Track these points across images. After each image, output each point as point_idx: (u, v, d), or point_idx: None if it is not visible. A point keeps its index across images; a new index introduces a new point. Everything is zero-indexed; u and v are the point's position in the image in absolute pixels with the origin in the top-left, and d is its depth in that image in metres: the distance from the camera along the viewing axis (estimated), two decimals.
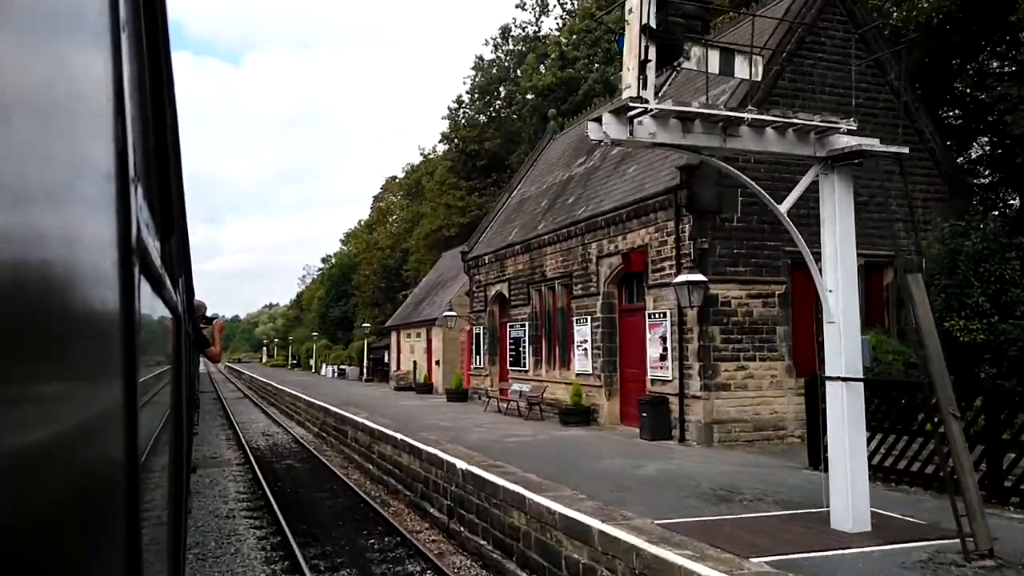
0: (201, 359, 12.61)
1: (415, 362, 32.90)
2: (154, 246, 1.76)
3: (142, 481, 1.27)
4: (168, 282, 2.42)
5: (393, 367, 37.77)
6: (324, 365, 56.97)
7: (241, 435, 24.93)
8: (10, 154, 0.48)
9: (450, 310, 25.95)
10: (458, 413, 20.16)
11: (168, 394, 2.76)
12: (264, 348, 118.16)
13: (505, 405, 20.51)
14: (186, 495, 5.11)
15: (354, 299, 70.06)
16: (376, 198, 73.68)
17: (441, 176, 44.10)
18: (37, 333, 0.54)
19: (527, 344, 20.66)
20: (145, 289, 1.42)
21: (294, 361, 78.83)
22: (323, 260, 79.96)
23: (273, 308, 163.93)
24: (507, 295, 22.12)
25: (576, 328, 17.81)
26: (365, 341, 43.42)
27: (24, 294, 0.50)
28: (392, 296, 59.20)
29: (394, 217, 62.96)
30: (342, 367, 49.94)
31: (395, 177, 71.99)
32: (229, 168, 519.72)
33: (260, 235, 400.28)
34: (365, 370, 42.83)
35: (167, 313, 2.47)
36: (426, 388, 29.94)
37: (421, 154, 58.88)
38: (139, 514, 1.15)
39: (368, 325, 43.25)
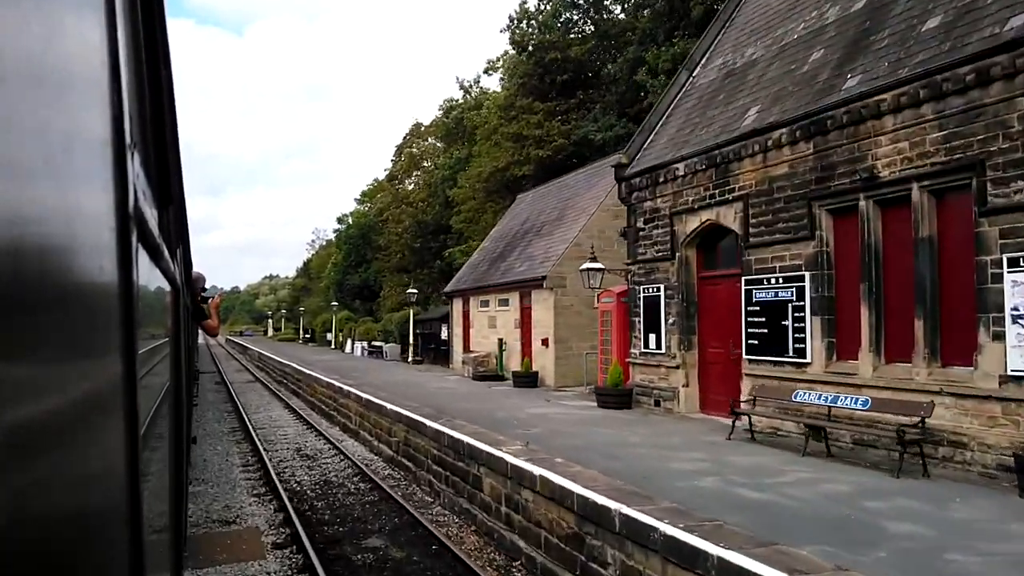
0: (200, 333, 11.39)
1: (501, 340, 23.37)
2: (152, 215, 1.76)
3: (142, 452, 1.24)
4: (166, 252, 2.45)
5: (458, 347, 28.19)
6: (350, 341, 47.46)
7: (265, 456, 15.50)
8: (2, 121, 0.46)
9: (592, 260, 16.29)
10: (696, 446, 10.56)
11: (167, 364, 2.83)
12: (269, 320, 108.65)
13: (762, 427, 11.00)
14: (187, 466, 5.63)
15: (377, 263, 60.44)
16: (400, 147, 63.64)
17: (506, 99, 34.12)
18: (33, 302, 0.52)
19: (806, 314, 11.07)
20: (143, 258, 1.43)
21: (307, 335, 69.25)
22: (339, 220, 70.14)
23: (274, 279, 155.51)
24: (738, 227, 12.49)
25: (1009, 278, 8.22)
26: (410, 312, 33.88)
27: (18, 263, 0.48)
28: (427, 258, 49.58)
29: (428, 164, 52.94)
30: (376, 344, 40.41)
31: (420, 124, 62.00)
32: (231, 140, 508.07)
33: (261, 209, 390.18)
34: (412, 349, 33.34)
35: (165, 283, 2.50)
36: (529, 379, 20.41)
37: (461, 87, 48.75)
38: (139, 484, 1.12)
39: (415, 291, 33.68)
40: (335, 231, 71.18)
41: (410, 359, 33.03)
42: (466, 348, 27.16)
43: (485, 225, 34.40)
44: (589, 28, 34.11)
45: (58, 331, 0.61)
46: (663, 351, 14.49)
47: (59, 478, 0.60)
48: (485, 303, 25.67)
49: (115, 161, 0.96)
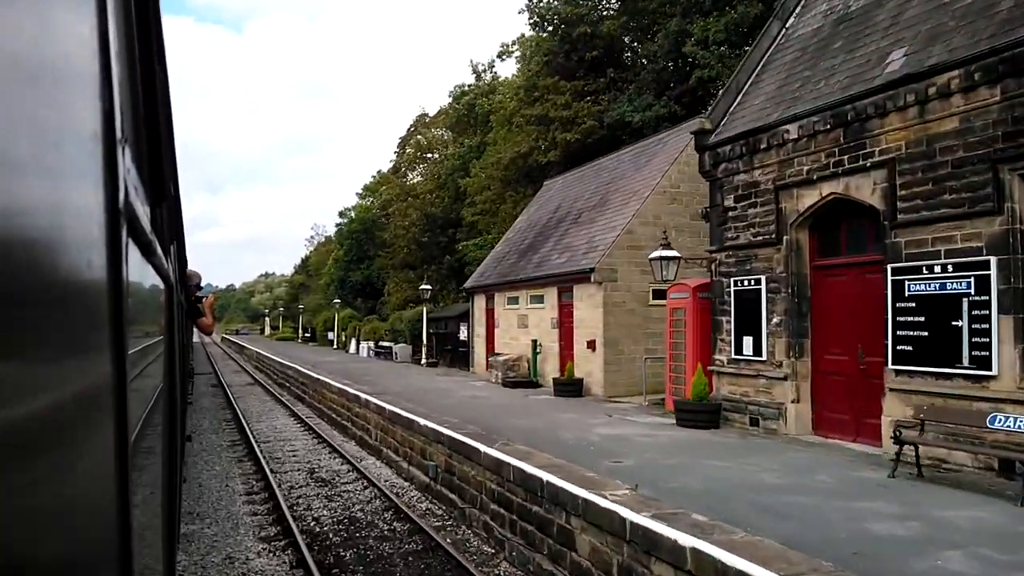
0: (195, 331, 10.52)
1: (535, 342, 20.70)
2: (144, 211, 1.72)
3: (134, 454, 1.22)
4: (159, 249, 2.38)
5: (480, 348, 25.52)
6: (354, 341, 44.75)
7: (272, 481, 12.89)
8: None
9: (665, 246, 13.62)
10: (863, 489, 7.85)
11: (161, 363, 2.72)
12: (266, 319, 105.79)
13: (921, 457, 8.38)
14: (180, 466, 5.40)
15: (380, 260, 57.73)
16: (403, 139, 60.92)
17: (527, 79, 31.41)
18: (17, 300, 0.51)
19: (991, 312, 8.37)
20: (134, 255, 1.39)
21: (306, 334, 66.40)
22: (340, 214, 67.29)
23: (270, 277, 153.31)
24: (878, 201, 9.85)
25: None
26: (424, 310, 31.19)
27: (4, 259, 0.48)
28: (436, 254, 46.91)
29: (435, 155, 50.19)
30: (383, 344, 37.70)
31: (426, 114, 59.31)
32: (230, 138, 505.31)
33: (259, 206, 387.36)
34: (426, 350, 30.62)
35: (158, 280, 2.43)
36: (572, 388, 17.75)
37: (474, 71, 46.06)
38: (129, 488, 1.09)
39: (428, 287, 30.98)
40: (336, 225, 68.38)
41: (424, 361, 30.36)
42: (490, 350, 24.50)
43: (505, 216, 31.77)
44: (615, 3, 31.45)
45: (44, 329, 0.59)
46: (763, 358, 11.85)
47: (43, 482, 0.57)
48: (514, 300, 23.02)
49: (105, 156, 0.94)
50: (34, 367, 0.56)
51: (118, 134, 1.03)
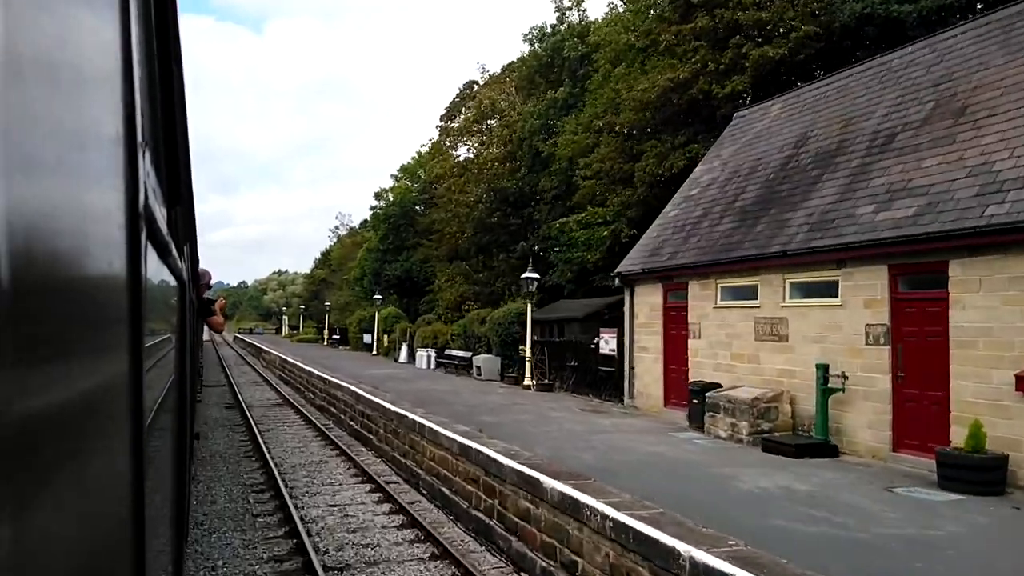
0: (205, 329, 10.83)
1: (823, 369, 11.31)
2: (161, 213, 1.73)
3: (147, 445, 1.24)
4: (174, 249, 2.43)
5: (649, 371, 16.06)
6: (404, 346, 35.41)
7: None
8: (16, 117, 0.46)
9: None
10: None
11: (172, 359, 2.79)
12: (283, 317, 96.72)
13: None
14: (189, 460, 5.44)
15: (423, 249, 48.46)
16: (449, 109, 51.49)
17: None
18: (43, 297, 0.53)
19: None
20: (151, 256, 1.42)
21: (335, 336, 57.12)
22: (377, 196, 57.88)
23: (283, 275, 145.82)
24: None
25: None
26: (528, 307, 21.86)
27: (29, 259, 0.48)
28: (503, 239, 37.61)
29: (499, 121, 40.75)
30: (453, 353, 28.30)
31: (474, 83, 49.92)
32: (245, 138, 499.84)
33: (272, 206, 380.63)
34: (531, 367, 21.22)
35: (172, 280, 2.49)
36: (984, 475, 8.34)
37: (557, 9, 36.59)
38: (143, 477, 1.11)
39: (535, 275, 21.67)
40: (371, 208, 58.98)
41: (529, 382, 20.96)
42: (675, 375, 15.11)
43: (647, 175, 22.35)
44: None
45: (67, 326, 0.61)
46: None
47: (63, 468, 0.60)
48: (741, 292, 13.62)
49: (126, 159, 0.95)
50: (59, 361, 0.58)
51: (139, 137, 1.03)
